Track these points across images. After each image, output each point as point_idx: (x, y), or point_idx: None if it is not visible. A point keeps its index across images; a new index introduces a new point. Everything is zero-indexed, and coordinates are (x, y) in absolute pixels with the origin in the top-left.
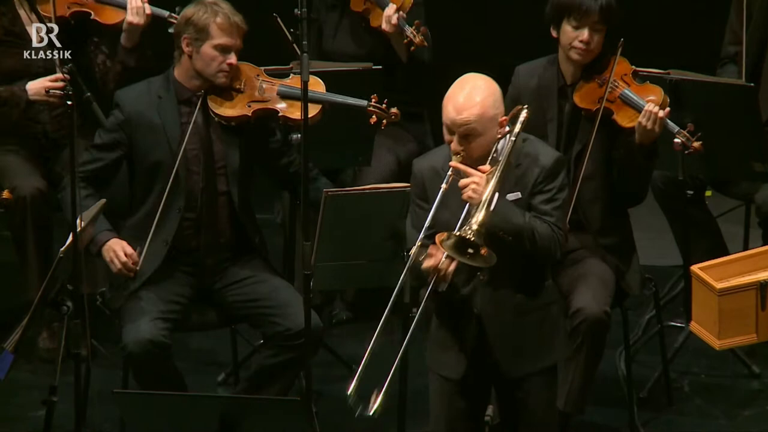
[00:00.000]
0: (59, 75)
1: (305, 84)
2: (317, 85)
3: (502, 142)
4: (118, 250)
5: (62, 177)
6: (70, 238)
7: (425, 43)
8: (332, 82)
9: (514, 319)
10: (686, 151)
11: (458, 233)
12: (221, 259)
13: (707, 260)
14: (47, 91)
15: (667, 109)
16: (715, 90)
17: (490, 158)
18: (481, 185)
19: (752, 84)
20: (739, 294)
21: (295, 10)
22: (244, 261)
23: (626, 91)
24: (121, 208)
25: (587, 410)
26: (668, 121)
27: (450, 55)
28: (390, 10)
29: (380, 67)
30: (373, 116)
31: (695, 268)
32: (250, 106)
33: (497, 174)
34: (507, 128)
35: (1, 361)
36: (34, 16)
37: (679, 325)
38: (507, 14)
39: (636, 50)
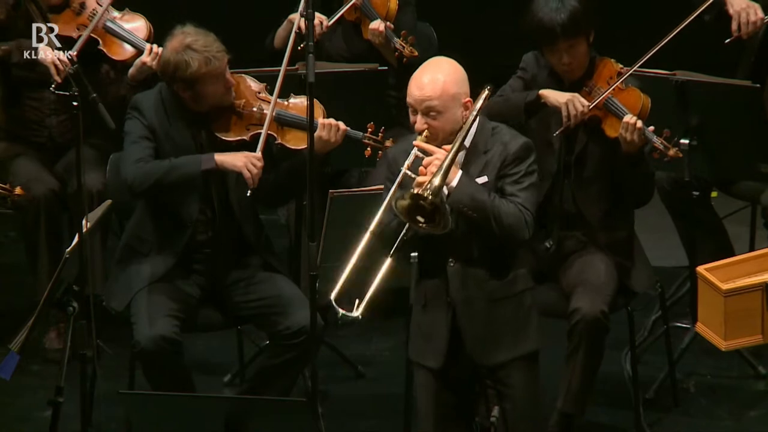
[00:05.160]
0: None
1: (311, 85)
2: (316, 110)
3: (466, 125)
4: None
5: (64, 179)
6: (76, 239)
7: (415, 53)
8: (338, 82)
9: (487, 307)
10: (664, 159)
11: (414, 191)
12: (227, 261)
13: (713, 261)
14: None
15: (640, 123)
16: (720, 91)
17: (455, 140)
18: (442, 162)
19: (758, 85)
20: (745, 295)
21: (300, 10)
22: (249, 262)
23: (610, 100)
24: (128, 210)
25: (594, 411)
26: (645, 129)
27: (452, 54)
28: (376, 23)
29: (386, 68)
30: (368, 148)
31: (701, 269)
32: (248, 129)
33: (456, 145)
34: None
35: (6, 362)
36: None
37: (685, 326)
38: (510, 13)
39: (637, 50)
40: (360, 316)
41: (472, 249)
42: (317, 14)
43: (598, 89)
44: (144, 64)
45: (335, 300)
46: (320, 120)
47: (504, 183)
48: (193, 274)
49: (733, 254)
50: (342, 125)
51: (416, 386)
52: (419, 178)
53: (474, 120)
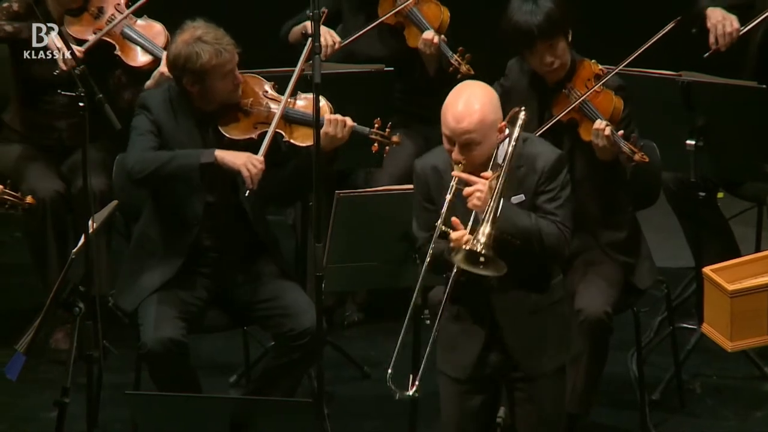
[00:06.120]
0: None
1: (317, 86)
2: (322, 107)
3: (502, 146)
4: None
5: (68, 180)
6: (83, 239)
7: (471, 71)
8: (345, 83)
9: (529, 318)
10: (632, 164)
11: (467, 247)
12: (234, 264)
13: (719, 262)
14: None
15: (609, 129)
16: (726, 92)
17: (491, 163)
18: (484, 192)
19: (764, 86)
20: (751, 296)
21: (307, 11)
22: (256, 264)
23: (585, 104)
24: (134, 211)
25: (599, 412)
26: (615, 133)
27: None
28: (430, 33)
29: (392, 69)
30: (375, 144)
31: (707, 269)
32: (256, 128)
33: (501, 181)
34: (506, 132)
35: (13, 363)
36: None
37: (691, 326)
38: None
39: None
40: (416, 395)
41: (512, 264)
42: (332, 34)
43: (576, 92)
44: (162, 74)
45: (391, 379)
46: (326, 116)
47: (540, 200)
48: (200, 277)
49: (739, 255)
50: (349, 121)
51: (441, 393)
52: (457, 234)
53: (514, 147)
